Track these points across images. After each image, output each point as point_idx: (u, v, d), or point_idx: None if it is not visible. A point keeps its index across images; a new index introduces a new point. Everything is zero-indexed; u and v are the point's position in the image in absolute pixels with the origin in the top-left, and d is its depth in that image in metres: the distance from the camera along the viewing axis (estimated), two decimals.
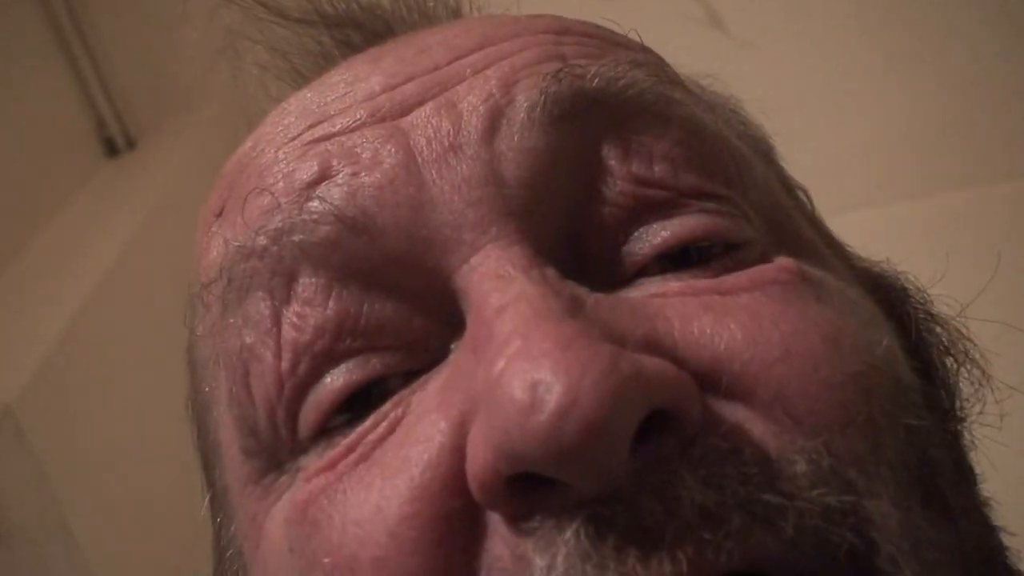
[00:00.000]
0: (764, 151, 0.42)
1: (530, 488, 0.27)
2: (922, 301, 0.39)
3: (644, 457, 0.26)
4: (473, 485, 0.27)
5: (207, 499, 0.39)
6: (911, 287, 0.40)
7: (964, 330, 0.39)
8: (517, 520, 0.27)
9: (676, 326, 0.29)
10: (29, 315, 1.25)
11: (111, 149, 1.61)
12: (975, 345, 0.39)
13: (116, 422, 1.22)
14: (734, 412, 0.28)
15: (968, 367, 0.38)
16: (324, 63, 0.42)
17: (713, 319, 0.30)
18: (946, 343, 0.39)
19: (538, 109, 0.33)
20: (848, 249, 0.41)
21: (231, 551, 0.36)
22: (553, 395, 0.25)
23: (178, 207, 1.33)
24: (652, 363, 0.27)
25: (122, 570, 1.15)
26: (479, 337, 0.29)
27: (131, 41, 1.60)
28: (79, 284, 1.28)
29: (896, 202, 1.28)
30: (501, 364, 0.26)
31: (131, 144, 1.63)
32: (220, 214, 0.37)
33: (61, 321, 1.22)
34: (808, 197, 0.42)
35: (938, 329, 0.39)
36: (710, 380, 0.28)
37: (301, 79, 0.42)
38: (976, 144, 1.34)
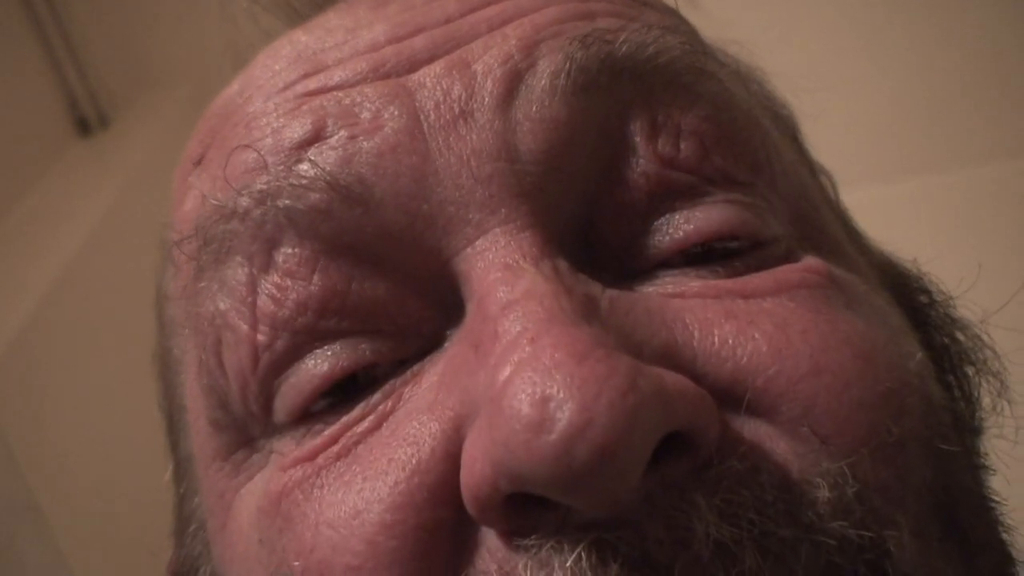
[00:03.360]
0: (790, 130, 0.38)
1: (528, 504, 0.23)
2: (944, 305, 0.36)
3: (656, 481, 0.23)
4: (467, 498, 0.24)
5: (171, 467, 0.36)
6: (934, 289, 0.36)
7: (986, 337, 0.35)
8: (511, 536, 0.24)
9: (696, 335, 0.26)
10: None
11: (84, 128, 1.55)
12: (996, 354, 0.35)
13: (87, 402, 1.19)
14: (755, 429, 0.25)
15: (988, 378, 0.35)
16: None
17: (736, 328, 0.26)
18: (967, 351, 0.35)
19: (562, 76, 0.28)
20: (869, 243, 0.37)
21: (194, 525, 0.33)
22: (565, 414, 0.22)
23: (151, 187, 1.29)
24: (672, 380, 0.24)
25: (93, 551, 1.12)
26: (483, 334, 0.25)
27: (104, 19, 1.55)
28: (49, 264, 1.25)
29: (881, 182, 1.25)
30: (507, 371, 0.23)
31: (104, 123, 1.57)
32: (199, 162, 0.33)
33: (31, 300, 1.18)
34: (832, 182, 0.38)
35: (959, 335, 0.35)
36: (731, 395, 0.25)
37: (295, 15, 0.37)
38: (985, 121, 1.30)
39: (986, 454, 0.34)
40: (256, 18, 0.38)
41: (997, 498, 0.33)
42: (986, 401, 0.35)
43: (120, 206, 1.35)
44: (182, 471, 0.35)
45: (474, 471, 0.24)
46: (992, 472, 0.33)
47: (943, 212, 1.24)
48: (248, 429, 0.30)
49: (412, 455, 0.25)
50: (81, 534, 1.11)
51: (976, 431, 0.34)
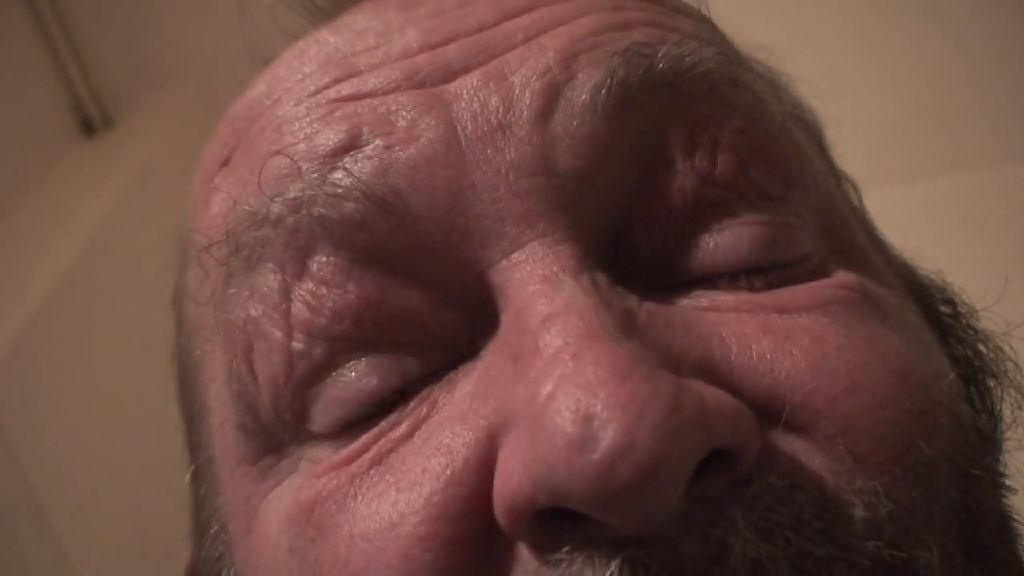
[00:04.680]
0: (817, 138, 0.38)
1: (560, 518, 0.23)
2: (967, 316, 0.35)
3: (695, 497, 0.23)
4: (500, 509, 0.24)
5: (191, 467, 0.35)
6: (957, 300, 0.35)
7: (1008, 349, 0.34)
8: (542, 551, 0.24)
9: (733, 349, 0.26)
10: (2, 294, 1.20)
11: (88, 128, 1.54)
12: (1017, 366, 0.34)
13: (89, 401, 1.19)
14: (792, 444, 0.25)
15: (1010, 390, 0.34)
16: None
17: (773, 343, 0.26)
18: (989, 363, 0.34)
19: (603, 92, 0.28)
20: (893, 251, 0.37)
21: (215, 527, 0.33)
22: (608, 434, 0.22)
23: (155, 187, 1.30)
24: (714, 398, 0.23)
25: (95, 551, 1.11)
26: (522, 347, 0.25)
27: (108, 19, 1.54)
28: (52, 265, 1.24)
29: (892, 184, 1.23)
30: (549, 386, 0.23)
31: (108, 123, 1.56)
32: (226, 163, 0.32)
33: (34, 301, 1.18)
34: (856, 190, 0.37)
35: (982, 347, 0.34)
36: (769, 410, 0.25)
37: (318, 12, 0.36)
38: (991, 125, 1.29)
39: (1006, 467, 0.33)
40: (276, 15, 0.37)
41: (1016, 514, 0.32)
42: (1007, 414, 0.34)
43: (124, 207, 1.35)
44: (202, 473, 0.34)
45: (511, 483, 0.24)
46: (1015, 491, 0.32)
47: (960, 216, 1.23)
48: (277, 436, 0.29)
49: (446, 465, 0.25)
50: (83, 534, 1.10)
51: (998, 445, 0.33)
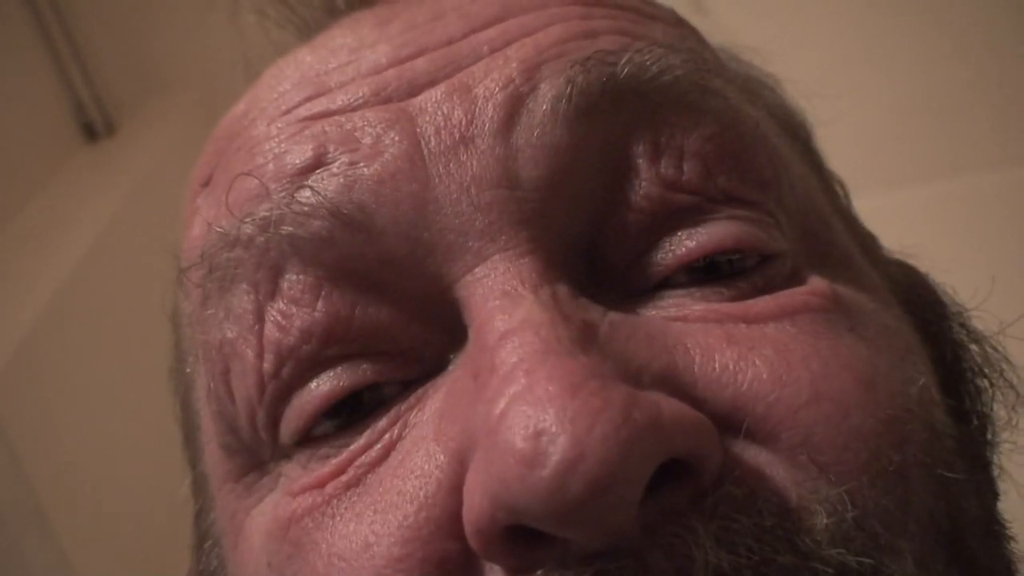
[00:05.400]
0: (802, 138, 0.37)
1: (530, 537, 0.23)
2: (958, 316, 0.35)
3: (655, 509, 0.23)
4: (468, 532, 0.24)
5: (190, 480, 0.36)
6: (948, 300, 0.35)
7: (1001, 349, 0.34)
8: (516, 573, 0.24)
9: (697, 360, 0.26)
10: (4, 300, 1.21)
11: (90, 134, 1.54)
12: (1012, 366, 0.34)
13: (91, 407, 1.19)
14: (755, 455, 0.25)
15: (1003, 390, 0.34)
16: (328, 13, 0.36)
17: (737, 354, 0.26)
18: (981, 363, 0.34)
19: (563, 101, 0.28)
20: (883, 252, 0.36)
21: (210, 541, 0.33)
22: (558, 448, 0.22)
23: (157, 193, 1.30)
24: (670, 408, 0.23)
25: (97, 556, 1.11)
26: (480, 364, 0.25)
27: (110, 24, 1.55)
28: (54, 271, 1.25)
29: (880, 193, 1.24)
30: (502, 405, 0.23)
31: (111, 129, 1.56)
32: (207, 183, 0.33)
33: (36, 306, 1.18)
34: (844, 190, 0.37)
35: (973, 347, 0.34)
36: (731, 421, 0.25)
37: (305, 27, 0.36)
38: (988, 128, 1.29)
39: (1000, 468, 0.33)
40: (267, 31, 0.37)
41: (1008, 516, 0.32)
42: (1001, 414, 0.34)
43: (126, 212, 1.35)
44: (199, 487, 0.35)
45: (473, 505, 0.24)
46: (1003, 493, 0.32)
47: (955, 219, 1.23)
48: (258, 453, 0.30)
49: (419, 488, 0.25)
50: (85, 538, 1.10)
51: (990, 445, 0.33)
